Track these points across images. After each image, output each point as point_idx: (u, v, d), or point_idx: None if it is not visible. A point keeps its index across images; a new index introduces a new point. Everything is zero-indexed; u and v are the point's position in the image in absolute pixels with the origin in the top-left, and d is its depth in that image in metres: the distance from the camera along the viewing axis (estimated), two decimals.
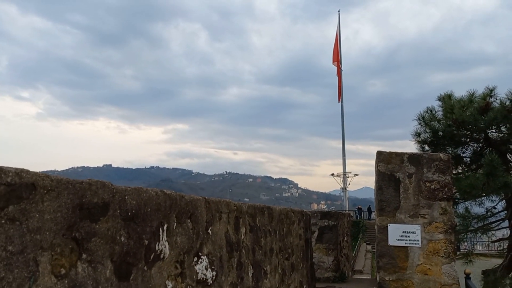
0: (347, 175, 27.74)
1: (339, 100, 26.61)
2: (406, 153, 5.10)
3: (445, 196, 4.88)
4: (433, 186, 4.92)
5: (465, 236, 12.56)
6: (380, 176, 5.12)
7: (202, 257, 2.32)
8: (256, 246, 3.31)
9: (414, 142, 12.46)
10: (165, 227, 1.82)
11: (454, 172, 12.98)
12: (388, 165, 5.11)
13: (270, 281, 3.57)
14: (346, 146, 27.81)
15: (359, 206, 42.36)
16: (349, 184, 28.89)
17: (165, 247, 1.81)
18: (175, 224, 1.94)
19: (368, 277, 15.51)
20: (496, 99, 11.78)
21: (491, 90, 11.79)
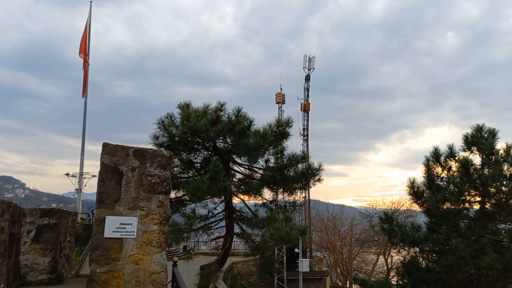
0: (83, 175, 26.31)
1: (83, 95, 25.20)
2: (132, 147, 5.22)
3: (163, 190, 5.21)
4: (154, 180, 5.19)
5: (189, 234, 13.70)
6: (104, 168, 5.07)
7: None
8: None
9: (153, 144, 12.92)
10: None
11: (185, 176, 14.09)
12: (113, 157, 5.10)
13: None
14: (87, 146, 26.67)
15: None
16: (85, 185, 27.41)
17: None
18: None
19: None
20: (225, 114, 13.45)
21: (222, 105, 13.39)
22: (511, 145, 12.17)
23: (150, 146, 12.94)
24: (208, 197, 13.66)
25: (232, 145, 13.72)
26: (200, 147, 14.10)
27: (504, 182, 11.96)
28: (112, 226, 4.91)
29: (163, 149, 13.05)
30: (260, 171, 14.84)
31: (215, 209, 14.54)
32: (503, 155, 12.27)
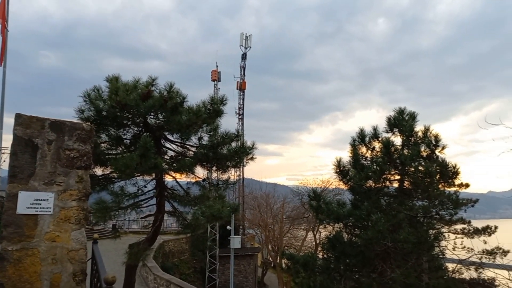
0: (2, 151, 24.40)
1: (0, 63, 23.09)
2: (48, 119, 4.90)
3: (83, 165, 4.98)
4: (72, 155, 4.93)
5: (117, 212, 13.31)
6: (17, 140, 4.72)
7: None
8: None
9: (78, 119, 12.25)
10: None
11: (114, 152, 13.59)
12: (27, 129, 4.76)
13: None
14: (7, 120, 24.49)
15: None
16: (4, 161, 25.45)
17: None
18: None
19: None
20: (157, 89, 13.07)
21: (153, 80, 12.98)
22: (428, 127, 13.10)
23: (75, 121, 12.27)
24: (138, 174, 13.32)
25: (164, 122, 13.40)
26: (129, 123, 13.60)
27: (422, 162, 12.90)
28: (26, 202, 4.62)
29: (89, 123, 12.45)
30: (193, 149, 14.68)
31: (145, 187, 14.23)
32: (421, 136, 13.18)
